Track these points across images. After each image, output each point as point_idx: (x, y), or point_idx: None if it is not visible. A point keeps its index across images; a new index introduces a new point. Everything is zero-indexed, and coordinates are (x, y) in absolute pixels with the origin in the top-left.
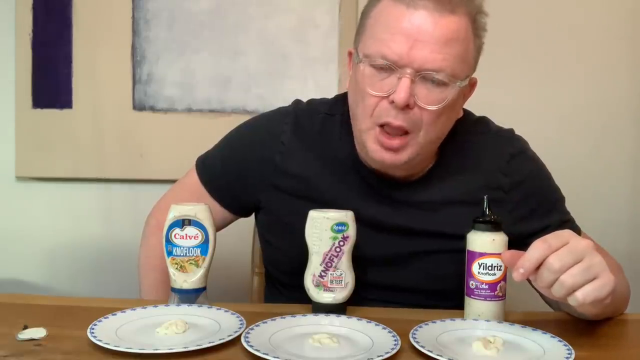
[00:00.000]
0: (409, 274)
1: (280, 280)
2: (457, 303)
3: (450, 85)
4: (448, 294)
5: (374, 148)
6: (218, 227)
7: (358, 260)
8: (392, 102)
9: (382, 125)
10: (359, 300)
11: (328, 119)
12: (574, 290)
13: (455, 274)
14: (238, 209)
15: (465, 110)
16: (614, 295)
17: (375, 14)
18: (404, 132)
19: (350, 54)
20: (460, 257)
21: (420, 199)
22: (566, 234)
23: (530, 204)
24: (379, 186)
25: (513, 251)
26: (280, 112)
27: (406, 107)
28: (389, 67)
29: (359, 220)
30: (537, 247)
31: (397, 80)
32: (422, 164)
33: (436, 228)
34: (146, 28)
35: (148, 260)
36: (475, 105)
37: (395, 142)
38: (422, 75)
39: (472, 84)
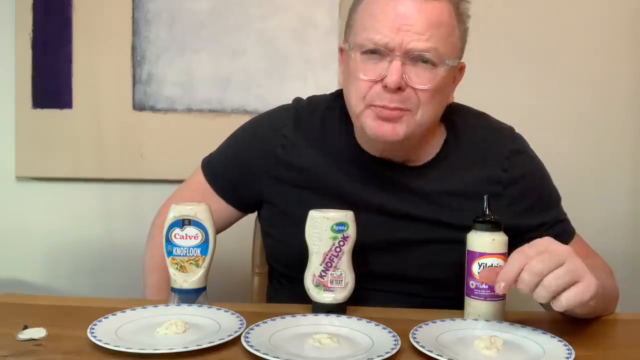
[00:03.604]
0: (409, 262)
1: (284, 275)
2: (456, 294)
3: (439, 65)
4: (448, 284)
5: (372, 124)
6: (225, 226)
7: (360, 247)
8: (385, 86)
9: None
10: (360, 290)
11: (328, 112)
12: (557, 294)
13: (454, 264)
14: (243, 206)
15: (465, 106)
16: (601, 296)
17: (362, 8)
18: (403, 110)
19: (341, 50)
20: (458, 247)
21: (421, 187)
22: (544, 241)
23: (528, 200)
24: (380, 173)
25: (488, 269)
26: (281, 109)
27: (398, 89)
28: (379, 52)
29: (361, 206)
30: (515, 259)
31: (387, 64)
32: (420, 148)
33: (436, 217)
34: (146, 28)
35: (152, 260)
36: (476, 105)
37: (394, 112)
38: (411, 57)
39: (461, 68)
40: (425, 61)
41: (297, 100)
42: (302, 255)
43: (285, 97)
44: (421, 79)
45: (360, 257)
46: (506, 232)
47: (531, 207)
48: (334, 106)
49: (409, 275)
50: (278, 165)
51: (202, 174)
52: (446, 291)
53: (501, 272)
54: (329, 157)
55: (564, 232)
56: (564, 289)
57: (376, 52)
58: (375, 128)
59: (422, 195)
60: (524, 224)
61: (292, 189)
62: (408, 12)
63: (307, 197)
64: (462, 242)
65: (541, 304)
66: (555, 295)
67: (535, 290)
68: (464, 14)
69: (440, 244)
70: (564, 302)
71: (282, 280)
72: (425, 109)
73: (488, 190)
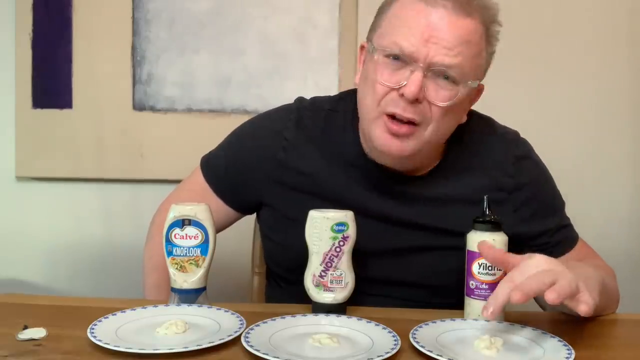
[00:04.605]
0: (410, 269)
1: (283, 277)
2: (457, 300)
3: (460, 84)
4: (449, 290)
5: (381, 136)
6: (223, 226)
7: (361, 253)
8: (402, 94)
9: (390, 116)
10: (361, 295)
11: (331, 115)
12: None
13: (456, 271)
14: (243, 207)
15: (471, 110)
16: (603, 294)
17: (394, 10)
18: (413, 124)
19: (362, 47)
20: (462, 254)
21: (424, 194)
22: (533, 262)
23: (532, 207)
24: (383, 180)
25: (488, 246)
26: (283, 109)
27: (415, 100)
28: (403, 59)
29: (363, 213)
30: (502, 287)
31: (409, 73)
32: (425, 160)
33: (439, 224)
34: (146, 28)
35: (152, 260)
36: (475, 106)
37: (404, 128)
38: (434, 71)
39: (479, 90)
40: (447, 77)
41: (300, 100)
42: (302, 259)
43: (285, 97)
44: (439, 95)
45: (361, 262)
46: (510, 240)
47: (536, 213)
48: (336, 109)
49: (411, 281)
50: (279, 168)
51: (201, 173)
52: (447, 297)
53: (490, 298)
54: (331, 161)
55: (567, 237)
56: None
57: (399, 59)
58: (383, 140)
59: (426, 202)
60: (528, 230)
61: (293, 192)
62: (440, 24)
63: (308, 201)
64: (464, 249)
65: (540, 306)
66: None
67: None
68: (493, 37)
69: (444, 250)
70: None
71: (281, 282)
72: (436, 125)
73: (493, 196)
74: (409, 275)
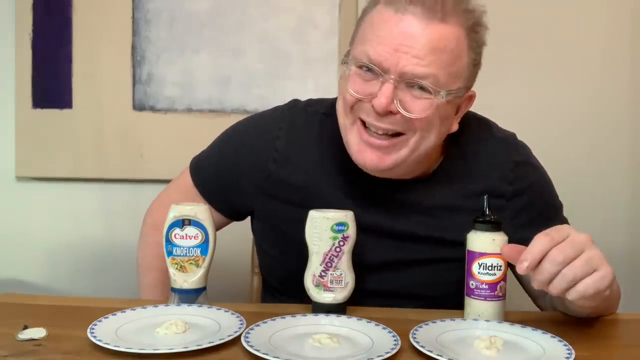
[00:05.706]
0: (409, 281)
1: (276, 288)
2: (457, 305)
3: (437, 94)
4: (446, 300)
5: (356, 148)
6: None
7: (358, 266)
8: (373, 106)
9: (363, 125)
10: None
11: (326, 119)
12: (575, 284)
13: (456, 282)
14: (231, 213)
15: (468, 112)
16: (611, 289)
17: (368, 19)
18: (395, 134)
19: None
20: (460, 265)
21: (421, 202)
22: (565, 228)
23: (531, 213)
24: (380, 190)
25: (511, 245)
26: (275, 115)
27: (389, 112)
28: (374, 70)
29: (360, 227)
30: (540, 240)
31: (379, 84)
32: (417, 166)
33: (438, 234)
34: (146, 28)
35: (145, 260)
36: (475, 105)
37: (384, 142)
38: (406, 82)
39: (469, 98)
40: (422, 88)
41: (294, 104)
42: (295, 272)
43: (285, 97)
44: (416, 106)
45: (358, 275)
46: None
47: (534, 219)
48: (331, 113)
49: (409, 293)
50: (270, 181)
51: (190, 176)
52: (445, 307)
53: (525, 252)
54: (325, 170)
55: None
56: (581, 279)
57: (371, 70)
58: (358, 153)
59: (424, 211)
60: (528, 235)
61: (285, 205)
62: (410, 31)
63: (300, 214)
64: (464, 259)
65: (538, 306)
66: (572, 285)
67: (552, 281)
68: (477, 42)
69: (443, 262)
70: (581, 290)
71: (275, 293)
72: (422, 135)
73: (491, 203)
74: (407, 287)
